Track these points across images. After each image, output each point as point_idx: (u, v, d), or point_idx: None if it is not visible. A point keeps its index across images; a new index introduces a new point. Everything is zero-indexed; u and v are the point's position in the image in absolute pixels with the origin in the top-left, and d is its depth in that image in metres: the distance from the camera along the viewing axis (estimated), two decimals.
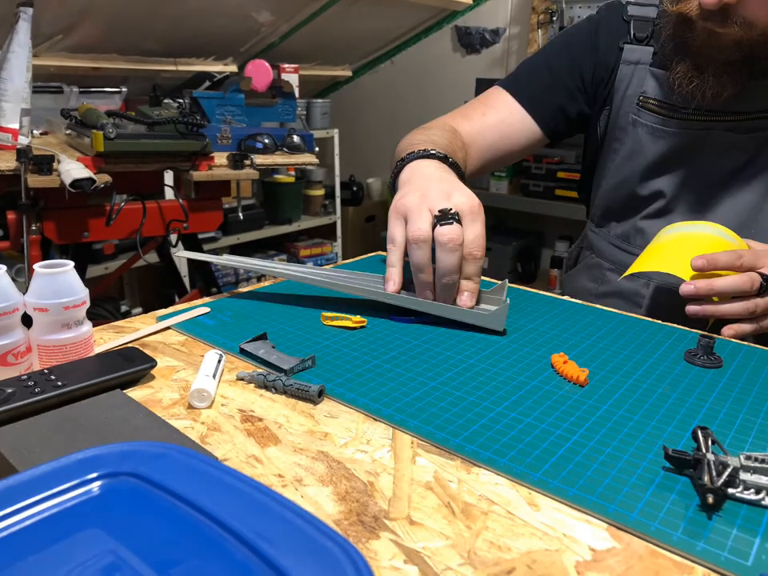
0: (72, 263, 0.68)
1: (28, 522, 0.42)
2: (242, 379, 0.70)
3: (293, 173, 3.72)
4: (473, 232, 0.82)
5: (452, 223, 0.81)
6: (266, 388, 0.68)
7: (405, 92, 4.05)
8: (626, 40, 1.15)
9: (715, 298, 0.87)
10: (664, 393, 0.69)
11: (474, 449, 0.57)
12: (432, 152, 0.98)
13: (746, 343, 0.84)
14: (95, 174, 1.54)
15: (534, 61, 1.25)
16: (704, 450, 0.54)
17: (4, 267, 0.66)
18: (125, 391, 0.66)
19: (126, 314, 3.09)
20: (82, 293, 0.69)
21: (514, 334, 0.84)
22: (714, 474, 0.51)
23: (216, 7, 2.77)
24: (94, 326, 0.74)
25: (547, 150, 3.17)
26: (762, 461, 0.51)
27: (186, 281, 2.77)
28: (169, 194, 2.05)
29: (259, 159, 1.94)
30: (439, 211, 0.82)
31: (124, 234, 1.81)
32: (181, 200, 1.84)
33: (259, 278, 3.65)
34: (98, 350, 0.75)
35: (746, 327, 0.88)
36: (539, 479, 0.54)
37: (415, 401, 0.66)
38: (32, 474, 0.45)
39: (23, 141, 1.77)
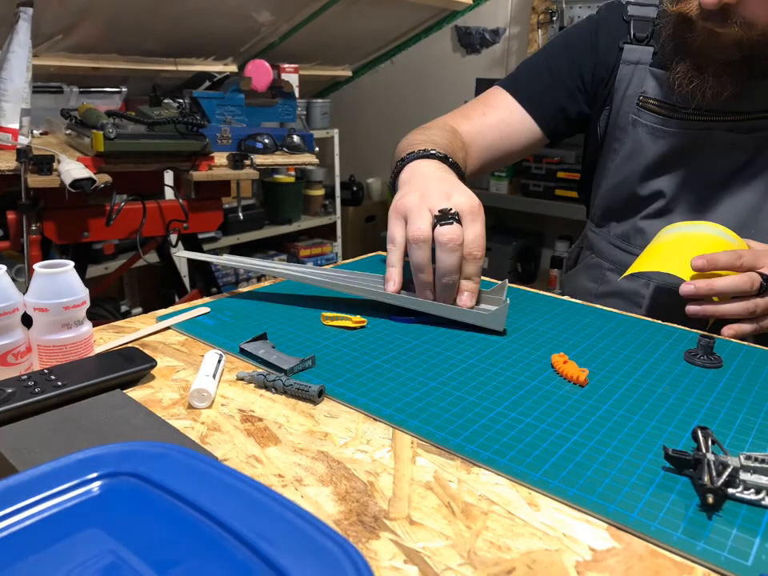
0: (72, 263, 0.68)
1: (28, 522, 0.42)
2: (242, 379, 0.70)
3: (293, 173, 3.72)
4: (473, 232, 0.82)
5: (452, 223, 0.81)
6: (266, 388, 0.68)
7: (405, 92, 4.05)
8: (626, 40, 1.15)
9: (715, 298, 0.87)
10: (664, 393, 0.69)
11: (474, 449, 0.57)
12: (432, 152, 0.98)
13: (745, 343, 0.84)
14: (95, 173, 1.54)
15: (534, 61, 1.25)
16: (704, 450, 0.54)
17: (4, 267, 0.66)
18: (125, 391, 0.66)
19: (126, 314, 3.09)
20: (82, 293, 0.69)
21: (514, 334, 0.84)
22: (714, 474, 0.51)
23: (216, 7, 2.77)
24: (94, 325, 0.74)
25: (547, 150, 3.17)
26: (762, 461, 0.51)
27: (186, 281, 2.77)
28: (169, 194, 2.05)
29: (259, 159, 1.94)
30: (439, 211, 0.82)
31: (124, 234, 1.81)
32: (181, 200, 1.84)
33: (259, 278, 3.65)
34: (98, 350, 0.75)
35: (746, 327, 0.88)
36: (539, 479, 0.54)
37: (415, 401, 0.66)
38: (32, 474, 0.45)
39: (23, 141, 1.77)
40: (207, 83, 2.52)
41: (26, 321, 0.68)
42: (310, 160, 2.05)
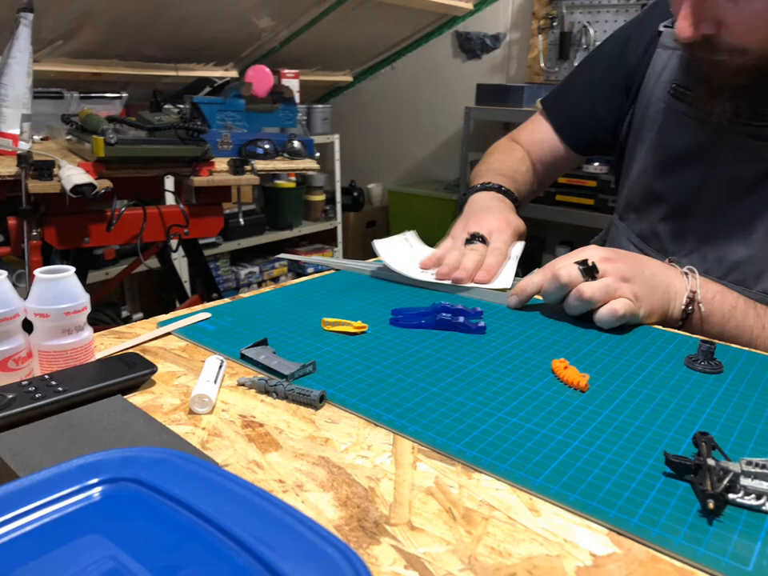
0: (73, 269, 0.68)
1: (29, 528, 0.42)
2: (243, 385, 0.70)
3: (293, 178, 3.73)
4: (495, 245, 1.06)
5: (475, 243, 1.05)
6: (268, 393, 0.68)
7: (405, 97, 4.06)
8: (667, 24, 1.11)
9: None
10: (665, 398, 0.69)
11: (475, 454, 0.57)
12: (488, 185, 1.22)
13: (746, 349, 0.84)
14: (96, 179, 1.55)
15: (573, 87, 1.32)
16: (705, 456, 0.54)
17: (5, 272, 0.66)
18: (125, 397, 0.66)
19: (127, 320, 3.09)
20: (83, 298, 0.69)
21: (515, 339, 0.84)
22: (715, 479, 0.51)
23: (217, 13, 2.77)
24: (94, 331, 0.74)
25: None
26: (763, 466, 0.51)
27: (187, 286, 2.77)
28: (169, 199, 2.06)
29: (260, 165, 1.94)
30: (469, 234, 1.07)
31: (125, 239, 1.81)
32: (181, 205, 1.84)
33: (260, 284, 3.65)
34: (98, 355, 0.75)
35: (605, 313, 0.86)
36: (540, 484, 0.54)
37: (416, 406, 0.66)
38: (33, 479, 0.45)
39: (24, 146, 1.77)
40: (208, 89, 2.53)
41: (27, 326, 0.68)
42: (310, 165, 2.05)
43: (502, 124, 3.56)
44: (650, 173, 1.14)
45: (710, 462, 0.53)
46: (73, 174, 1.49)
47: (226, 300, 0.96)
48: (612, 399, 0.68)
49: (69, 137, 1.88)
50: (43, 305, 0.66)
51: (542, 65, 3.42)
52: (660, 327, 0.90)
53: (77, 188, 1.46)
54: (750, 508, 0.51)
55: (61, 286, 0.67)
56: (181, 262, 2.90)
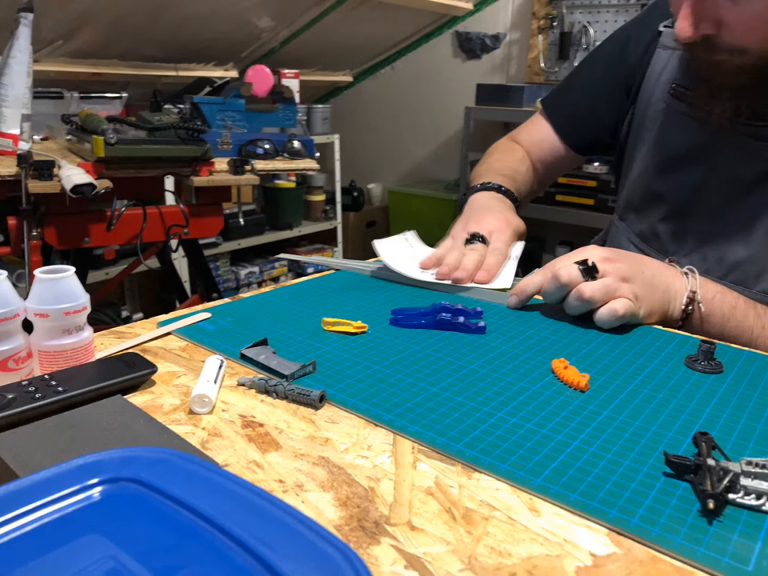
0: (73, 268, 0.68)
1: (28, 528, 0.42)
2: (243, 385, 0.70)
3: (293, 178, 3.73)
4: (494, 245, 1.06)
5: (474, 242, 1.06)
6: (268, 393, 0.68)
7: (405, 97, 4.06)
8: (667, 24, 1.11)
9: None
10: (665, 398, 0.69)
11: (475, 454, 0.57)
12: (488, 185, 1.23)
13: (746, 349, 0.84)
14: (96, 179, 1.55)
15: (573, 87, 1.32)
16: (705, 456, 0.54)
17: (5, 272, 0.66)
18: (125, 397, 0.66)
19: (127, 320, 3.09)
20: (83, 298, 0.69)
21: (515, 339, 0.84)
22: (715, 479, 0.51)
23: (217, 13, 2.77)
24: (94, 331, 0.74)
25: None
26: (763, 466, 0.51)
27: (187, 286, 2.77)
28: (169, 199, 2.06)
29: (260, 165, 1.94)
30: (469, 234, 1.08)
31: (124, 239, 1.81)
32: (181, 205, 1.84)
33: (260, 284, 3.65)
34: (98, 355, 0.75)
35: (605, 313, 0.86)
36: (540, 484, 0.54)
37: (416, 406, 0.66)
38: (33, 479, 0.45)
39: (24, 146, 1.77)
40: (208, 89, 2.53)
41: (27, 326, 0.68)
42: (310, 165, 2.05)
43: (502, 124, 3.56)
44: (649, 173, 1.14)
45: (710, 462, 0.53)
46: (73, 174, 1.49)
47: (226, 300, 0.96)
48: (612, 399, 0.68)
49: (69, 137, 1.88)
50: (43, 305, 0.66)
51: (542, 65, 3.42)
52: (660, 327, 0.90)
53: (77, 188, 1.46)
54: (750, 508, 0.51)
55: (61, 286, 0.67)
56: (181, 262, 2.90)
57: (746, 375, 0.75)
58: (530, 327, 0.88)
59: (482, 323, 0.86)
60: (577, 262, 0.87)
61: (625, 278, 0.87)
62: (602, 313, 0.86)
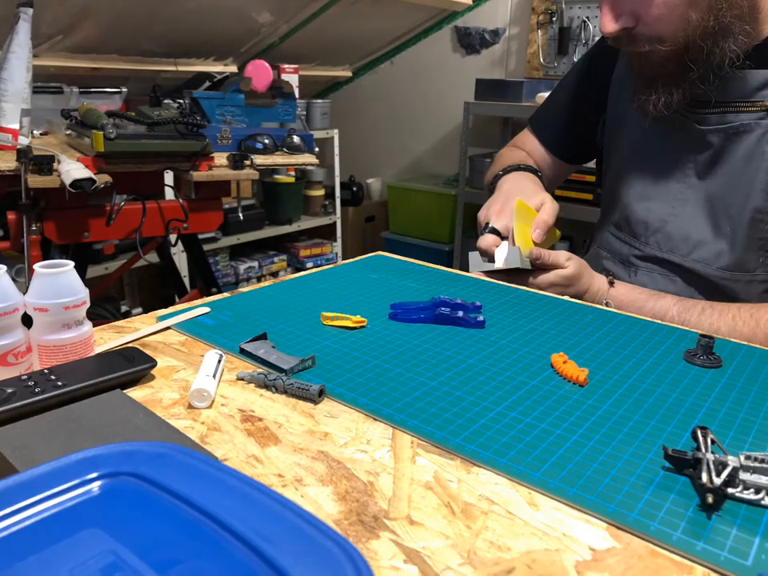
0: (72, 263, 0.68)
1: (28, 522, 0.42)
2: (242, 379, 0.70)
3: (293, 173, 3.72)
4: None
5: (483, 234, 1.13)
6: (267, 387, 0.68)
7: (405, 92, 4.05)
8: None
9: None
10: (664, 393, 0.69)
11: (474, 448, 0.58)
12: (508, 168, 1.31)
13: (745, 343, 0.84)
14: (95, 174, 1.54)
15: (554, 102, 1.40)
16: (704, 450, 0.54)
17: (4, 267, 0.66)
18: (125, 391, 0.66)
19: (126, 314, 3.09)
20: (83, 293, 0.69)
21: (514, 333, 0.84)
22: (714, 473, 0.51)
23: (216, 8, 2.76)
24: (94, 326, 0.74)
25: None
26: (762, 460, 0.51)
27: (186, 281, 2.77)
28: (169, 194, 2.05)
29: (259, 159, 1.93)
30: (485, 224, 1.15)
31: (124, 234, 1.81)
32: (181, 200, 1.84)
33: (259, 279, 3.65)
34: (98, 349, 0.75)
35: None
36: (539, 479, 0.54)
37: (415, 401, 0.66)
38: (32, 473, 0.45)
39: (23, 141, 1.77)
40: (207, 83, 2.52)
41: (26, 321, 0.68)
42: (309, 160, 2.05)
43: (501, 119, 3.56)
44: (621, 168, 1.22)
45: (709, 456, 0.53)
46: (72, 169, 1.49)
47: (225, 295, 0.96)
48: (611, 393, 0.68)
49: (68, 132, 1.88)
50: (43, 299, 0.66)
51: (541, 60, 3.41)
52: (659, 322, 0.90)
53: (76, 183, 1.46)
54: (749, 502, 0.51)
55: (60, 281, 0.67)
56: (180, 257, 2.89)
57: (745, 369, 0.76)
58: (529, 322, 0.88)
59: (481, 317, 0.86)
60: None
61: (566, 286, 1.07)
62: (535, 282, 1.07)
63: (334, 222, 3.87)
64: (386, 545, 0.46)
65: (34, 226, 1.62)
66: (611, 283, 1.10)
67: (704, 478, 0.51)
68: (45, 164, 1.54)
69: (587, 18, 3.23)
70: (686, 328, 0.90)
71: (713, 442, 0.56)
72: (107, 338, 0.80)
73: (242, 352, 0.76)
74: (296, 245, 3.86)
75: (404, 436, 0.60)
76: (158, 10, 2.63)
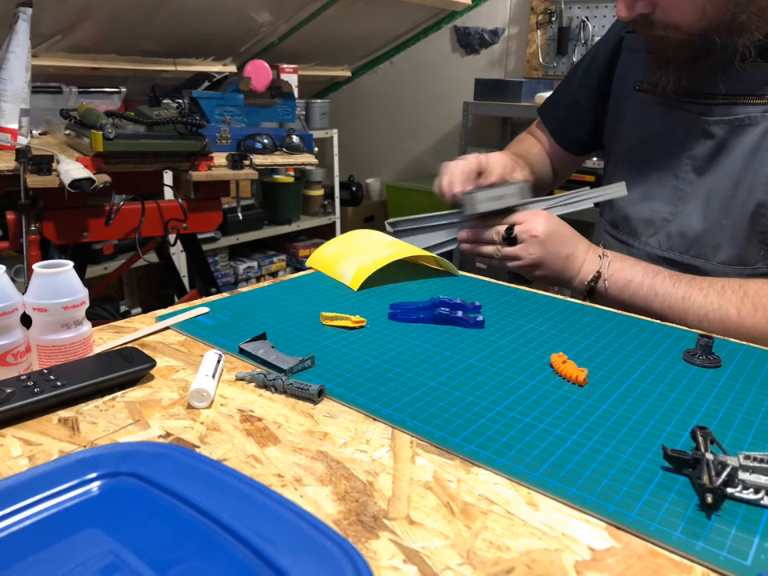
0: (71, 263, 0.68)
1: (28, 522, 0.42)
2: (242, 379, 0.70)
3: (292, 173, 3.72)
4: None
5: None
6: (266, 387, 0.68)
7: (404, 92, 4.05)
8: (628, 29, 1.19)
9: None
10: (663, 392, 0.69)
11: (474, 448, 0.58)
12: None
13: (744, 343, 0.84)
14: (94, 174, 1.54)
15: (561, 94, 1.40)
16: (703, 450, 0.54)
17: (3, 267, 0.66)
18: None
19: (126, 314, 3.09)
20: (82, 293, 0.69)
21: (513, 333, 0.84)
22: (713, 473, 0.51)
23: (215, 8, 2.76)
24: (93, 326, 0.74)
25: None
26: (761, 460, 0.51)
27: (186, 281, 2.77)
28: (168, 194, 2.05)
29: (258, 159, 1.93)
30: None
31: (123, 234, 1.81)
32: (180, 200, 1.84)
33: (258, 278, 3.65)
34: (97, 350, 0.75)
35: (493, 262, 1.12)
36: (538, 479, 0.54)
37: (414, 400, 0.66)
38: (32, 473, 0.45)
39: (22, 141, 1.77)
40: (206, 83, 2.52)
41: (26, 321, 0.68)
42: (309, 160, 2.05)
43: (501, 119, 3.56)
44: (620, 164, 1.23)
45: (708, 456, 0.53)
46: (71, 169, 1.49)
47: (225, 294, 0.96)
48: (610, 393, 0.68)
49: (67, 131, 1.88)
50: (42, 299, 0.66)
51: (541, 60, 3.42)
52: (658, 322, 0.90)
53: (75, 183, 1.46)
54: (749, 502, 0.51)
55: (59, 281, 0.67)
56: (179, 257, 2.89)
57: (744, 369, 0.76)
58: (529, 321, 0.88)
59: (480, 317, 0.86)
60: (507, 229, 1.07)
61: (535, 264, 1.07)
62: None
63: (334, 222, 3.87)
64: (385, 545, 0.46)
65: (33, 225, 1.62)
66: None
67: (703, 477, 0.51)
68: (44, 164, 1.54)
69: (586, 17, 3.23)
70: (682, 304, 0.97)
71: (712, 441, 0.56)
72: (106, 338, 0.80)
73: (242, 352, 0.76)
74: (295, 245, 3.86)
75: (403, 436, 0.60)
76: (157, 10, 2.63)
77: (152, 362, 0.69)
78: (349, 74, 4.12)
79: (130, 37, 2.78)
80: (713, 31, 0.96)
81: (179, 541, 0.41)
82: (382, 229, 1.14)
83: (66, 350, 0.69)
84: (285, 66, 3.13)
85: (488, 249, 1.11)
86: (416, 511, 0.50)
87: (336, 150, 3.73)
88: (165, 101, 2.12)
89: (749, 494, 0.51)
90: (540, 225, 1.06)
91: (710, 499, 0.49)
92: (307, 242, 3.92)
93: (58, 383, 0.63)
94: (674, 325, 0.89)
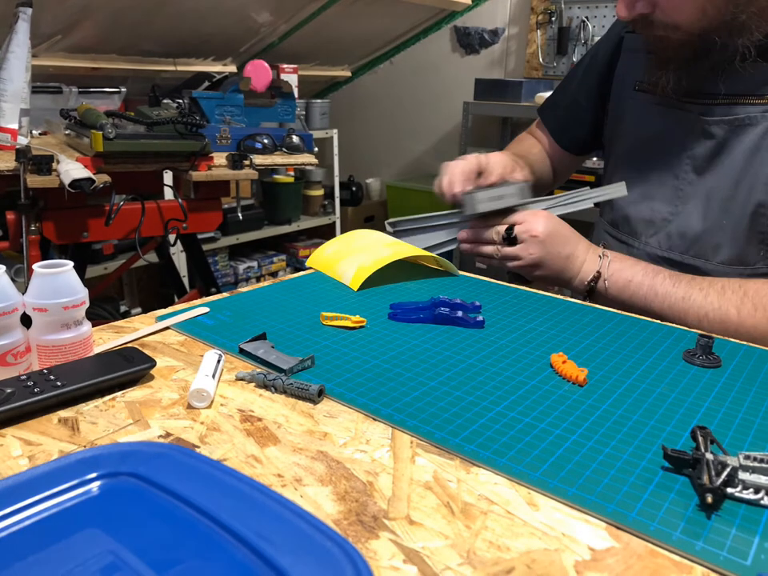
0: (71, 263, 0.68)
1: (28, 522, 0.42)
2: (242, 379, 0.70)
3: (292, 173, 3.72)
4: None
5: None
6: (266, 387, 0.68)
7: (404, 92, 4.05)
8: (628, 29, 1.20)
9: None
10: (663, 392, 0.69)
11: (474, 448, 0.58)
12: None
13: (744, 343, 0.84)
14: (94, 174, 1.54)
15: (561, 94, 1.40)
16: (703, 450, 0.54)
17: (3, 267, 0.66)
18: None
19: (126, 314, 3.09)
20: (82, 293, 0.69)
21: (513, 333, 0.84)
22: (713, 473, 0.51)
23: (215, 8, 2.76)
24: (93, 326, 0.74)
25: None
26: (761, 460, 0.51)
27: (186, 281, 2.77)
28: (168, 194, 2.05)
29: (258, 159, 1.93)
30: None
31: (123, 234, 1.81)
32: (180, 200, 1.84)
33: (258, 278, 3.65)
34: (97, 350, 0.75)
35: (493, 262, 1.12)
36: (538, 479, 0.54)
37: (414, 400, 0.66)
38: (32, 473, 0.45)
39: (22, 141, 1.77)
40: (206, 83, 2.52)
41: (26, 321, 0.68)
42: (309, 160, 2.05)
43: (501, 119, 3.56)
44: (620, 164, 1.23)
45: (708, 456, 0.53)
46: (71, 169, 1.49)
47: (225, 294, 0.96)
48: (610, 393, 0.68)
49: (67, 131, 1.88)
50: (42, 299, 0.66)
51: (541, 60, 3.42)
52: (658, 322, 0.90)
53: (75, 183, 1.46)
54: (749, 502, 0.51)
55: (59, 281, 0.67)
56: (179, 257, 2.89)
57: (744, 369, 0.76)
58: (529, 321, 0.88)
59: (480, 317, 0.86)
60: (507, 229, 1.07)
61: (535, 264, 1.07)
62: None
63: (334, 222, 3.87)
64: (385, 545, 0.46)
65: (33, 225, 1.62)
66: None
67: (703, 477, 0.51)
68: (44, 164, 1.54)
69: (586, 17, 3.24)
70: (682, 304, 0.98)
71: (712, 441, 0.56)
72: (106, 338, 0.80)
73: (242, 352, 0.76)
74: (295, 245, 3.87)
75: (403, 436, 0.60)
76: (157, 10, 2.63)
77: (152, 362, 0.69)
78: (349, 74, 4.12)
79: (130, 37, 2.78)
80: (713, 31, 0.96)
81: (179, 541, 0.41)
82: (382, 229, 1.14)
83: (66, 350, 0.69)
84: (285, 66, 3.13)
85: (488, 249, 1.11)
86: (416, 511, 0.50)
87: (336, 150, 3.73)
88: (165, 101, 2.12)
89: (749, 494, 0.51)
90: (540, 225, 1.06)
91: (709, 499, 0.49)
92: (307, 242, 3.92)
93: (58, 383, 0.63)
94: (674, 325, 0.89)
